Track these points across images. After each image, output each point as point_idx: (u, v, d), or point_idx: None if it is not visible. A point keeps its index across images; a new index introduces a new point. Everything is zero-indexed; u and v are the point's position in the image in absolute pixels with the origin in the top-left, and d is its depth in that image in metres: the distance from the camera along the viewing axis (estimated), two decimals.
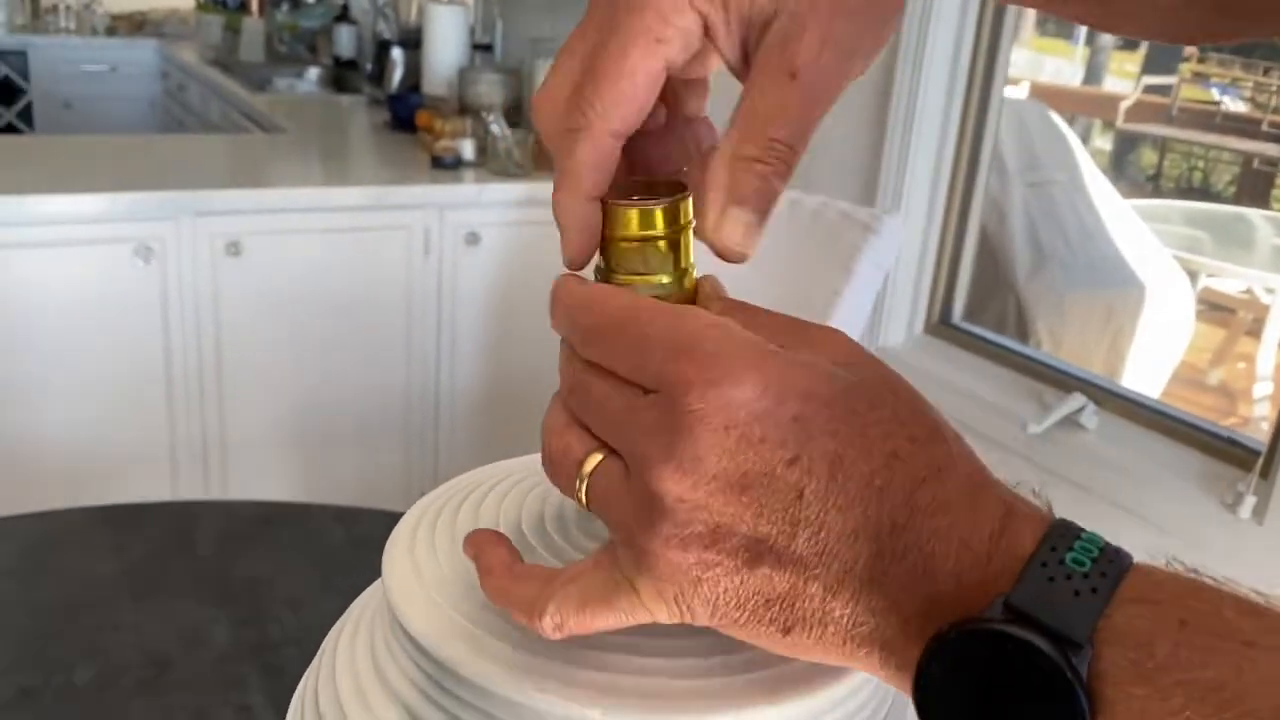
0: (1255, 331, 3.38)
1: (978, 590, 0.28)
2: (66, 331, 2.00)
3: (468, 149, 2.40)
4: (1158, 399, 1.94)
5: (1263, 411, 3.18)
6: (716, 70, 0.37)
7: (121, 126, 4.53)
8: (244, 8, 4.74)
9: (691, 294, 0.35)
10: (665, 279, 0.34)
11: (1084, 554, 0.28)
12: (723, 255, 0.34)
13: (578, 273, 0.34)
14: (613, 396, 0.32)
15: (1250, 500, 1.44)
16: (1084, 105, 5.23)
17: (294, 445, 2.26)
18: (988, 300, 2.30)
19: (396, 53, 2.99)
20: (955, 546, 0.29)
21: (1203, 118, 5.01)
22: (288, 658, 0.91)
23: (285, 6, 4.43)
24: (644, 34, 0.32)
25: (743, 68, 0.34)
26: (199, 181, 2.19)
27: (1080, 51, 5.69)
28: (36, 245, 1.96)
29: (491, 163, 2.38)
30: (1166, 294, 2.62)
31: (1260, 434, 1.67)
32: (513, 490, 0.43)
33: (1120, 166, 5.24)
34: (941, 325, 2.00)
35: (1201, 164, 5.29)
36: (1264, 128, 4.80)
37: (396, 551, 0.40)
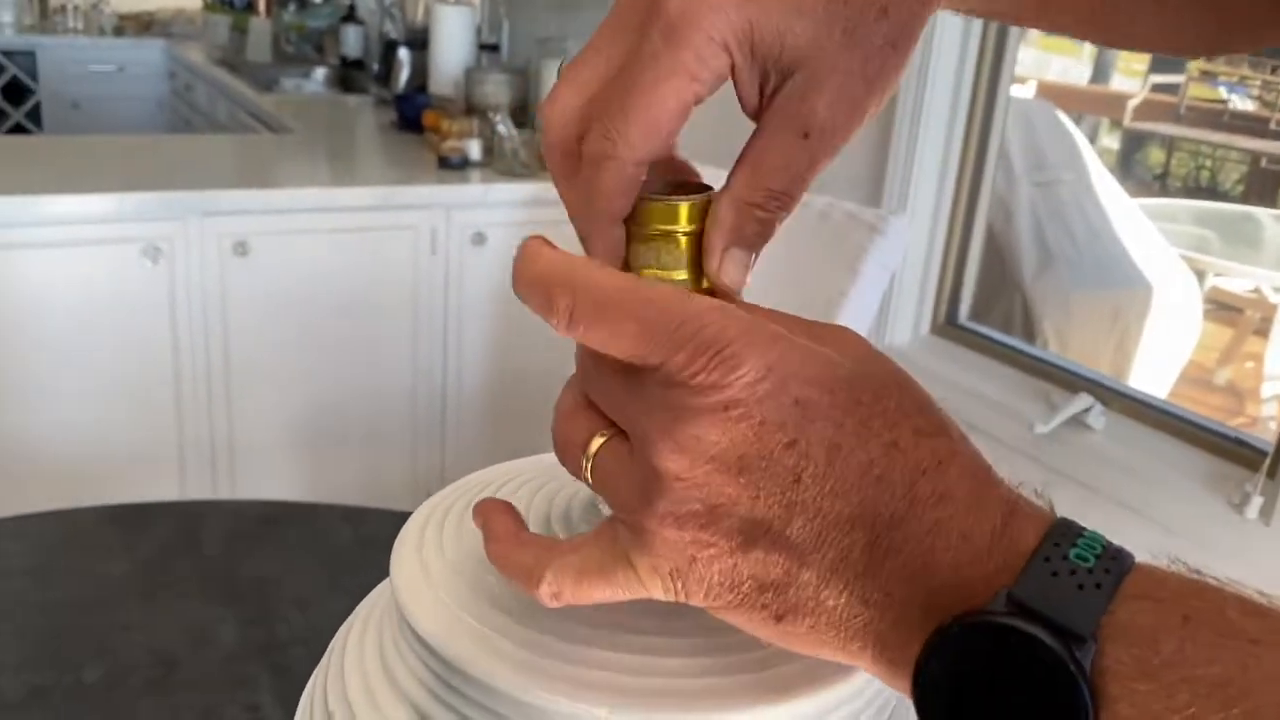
0: (1263, 331, 3.37)
1: (979, 585, 0.28)
2: (74, 331, 2.01)
3: (474, 149, 2.40)
4: (1165, 399, 1.93)
5: (1270, 411, 3.17)
6: None
7: (129, 127, 4.54)
8: (251, 8, 4.74)
9: (709, 294, 0.36)
10: (683, 275, 0.35)
11: (1087, 550, 0.28)
12: (716, 291, 0.34)
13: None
14: (619, 376, 0.32)
15: (1257, 501, 1.44)
16: (1091, 104, 5.21)
17: (301, 445, 2.26)
18: (994, 300, 2.30)
19: (403, 53, 3.00)
20: (955, 539, 0.29)
21: (1211, 116, 4.99)
22: (295, 657, 0.91)
23: (292, 7, 4.44)
24: (681, 71, 0.33)
25: (755, 109, 0.35)
26: (206, 182, 2.19)
27: (1087, 50, 5.68)
28: (45, 245, 1.97)
29: (498, 163, 2.38)
30: (1174, 293, 2.61)
31: (1268, 434, 1.66)
32: (520, 490, 0.43)
33: (1127, 165, 5.23)
34: (948, 325, 2.00)
35: (1209, 163, 5.27)
36: (1272, 126, 4.79)
37: (405, 551, 0.40)
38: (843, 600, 0.29)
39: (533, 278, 0.32)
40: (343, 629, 0.43)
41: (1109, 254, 2.52)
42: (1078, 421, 1.68)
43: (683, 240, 0.35)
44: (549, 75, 2.55)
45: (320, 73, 3.84)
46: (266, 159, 2.67)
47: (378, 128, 2.95)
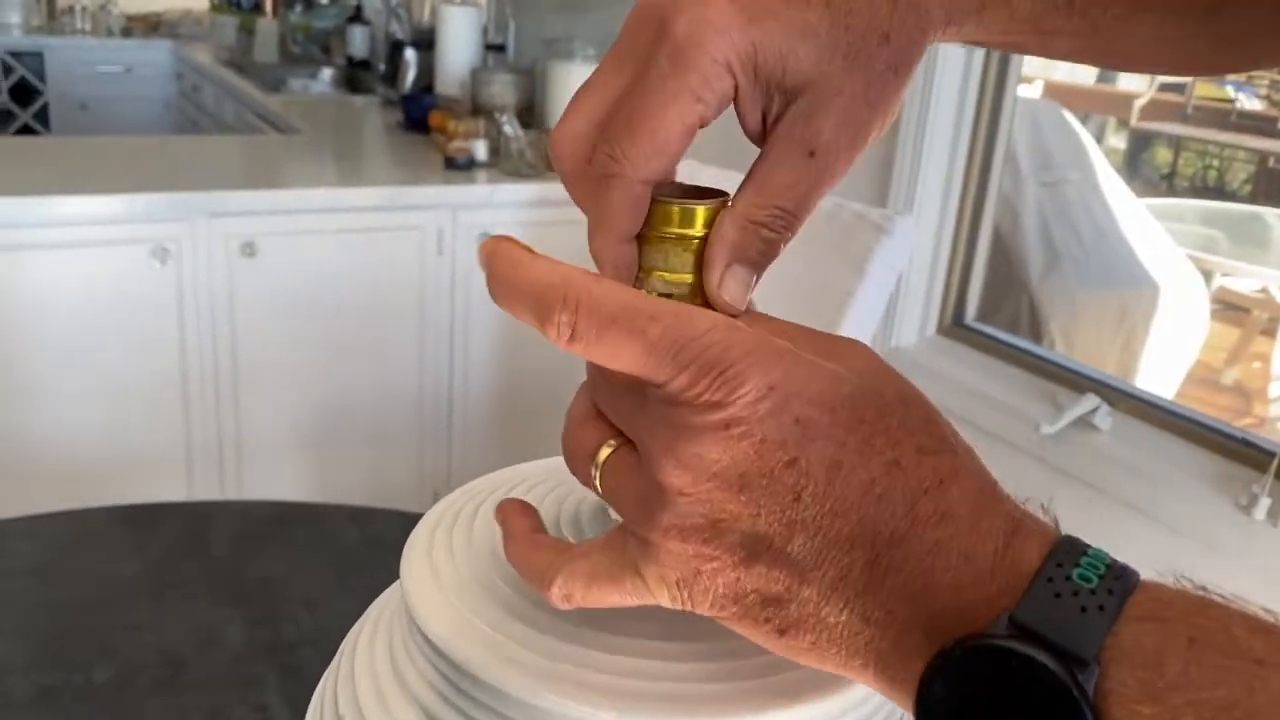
0: (1271, 331, 3.37)
1: (981, 606, 0.28)
2: (82, 332, 2.01)
3: (480, 150, 2.41)
4: (1172, 399, 1.93)
5: (1278, 412, 3.16)
6: None
7: (136, 127, 4.55)
8: (258, 9, 4.76)
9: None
10: (689, 278, 0.35)
11: (1090, 570, 0.28)
12: (716, 307, 0.34)
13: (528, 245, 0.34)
14: (625, 389, 0.32)
15: (1265, 502, 1.44)
16: (1098, 104, 5.20)
17: (308, 445, 2.27)
18: (1001, 300, 2.30)
19: (410, 53, 3.00)
20: (956, 560, 0.29)
21: (1218, 116, 4.98)
22: (303, 658, 0.91)
23: (299, 7, 4.45)
24: (687, 94, 0.33)
25: (757, 132, 0.35)
26: (214, 182, 2.20)
27: None
28: (52, 246, 1.98)
29: (504, 163, 2.38)
30: (1181, 294, 2.61)
31: (1276, 434, 1.66)
32: (529, 494, 0.43)
33: (1134, 165, 5.21)
34: (954, 326, 2.00)
35: (1216, 162, 5.26)
36: (1279, 125, 4.78)
37: (415, 554, 0.40)
38: (844, 617, 0.30)
39: (522, 288, 0.32)
40: (352, 632, 0.43)
41: (1116, 254, 2.51)
42: (1084, 422, 1.68)
43: (696, 244, 0.35)
44: (555, 76, 2.55)
45: (327, 73, 3.84)
46: (273, 160, 2.68)
47: (384, 128, 2.96)
